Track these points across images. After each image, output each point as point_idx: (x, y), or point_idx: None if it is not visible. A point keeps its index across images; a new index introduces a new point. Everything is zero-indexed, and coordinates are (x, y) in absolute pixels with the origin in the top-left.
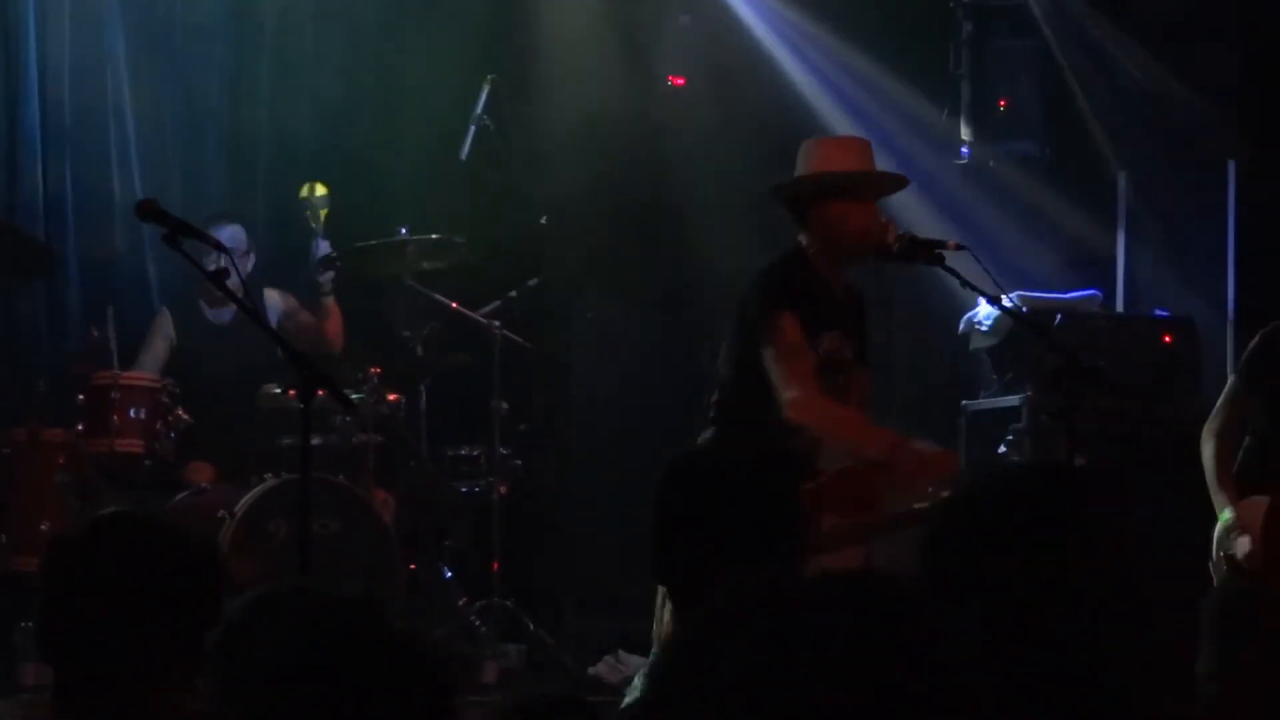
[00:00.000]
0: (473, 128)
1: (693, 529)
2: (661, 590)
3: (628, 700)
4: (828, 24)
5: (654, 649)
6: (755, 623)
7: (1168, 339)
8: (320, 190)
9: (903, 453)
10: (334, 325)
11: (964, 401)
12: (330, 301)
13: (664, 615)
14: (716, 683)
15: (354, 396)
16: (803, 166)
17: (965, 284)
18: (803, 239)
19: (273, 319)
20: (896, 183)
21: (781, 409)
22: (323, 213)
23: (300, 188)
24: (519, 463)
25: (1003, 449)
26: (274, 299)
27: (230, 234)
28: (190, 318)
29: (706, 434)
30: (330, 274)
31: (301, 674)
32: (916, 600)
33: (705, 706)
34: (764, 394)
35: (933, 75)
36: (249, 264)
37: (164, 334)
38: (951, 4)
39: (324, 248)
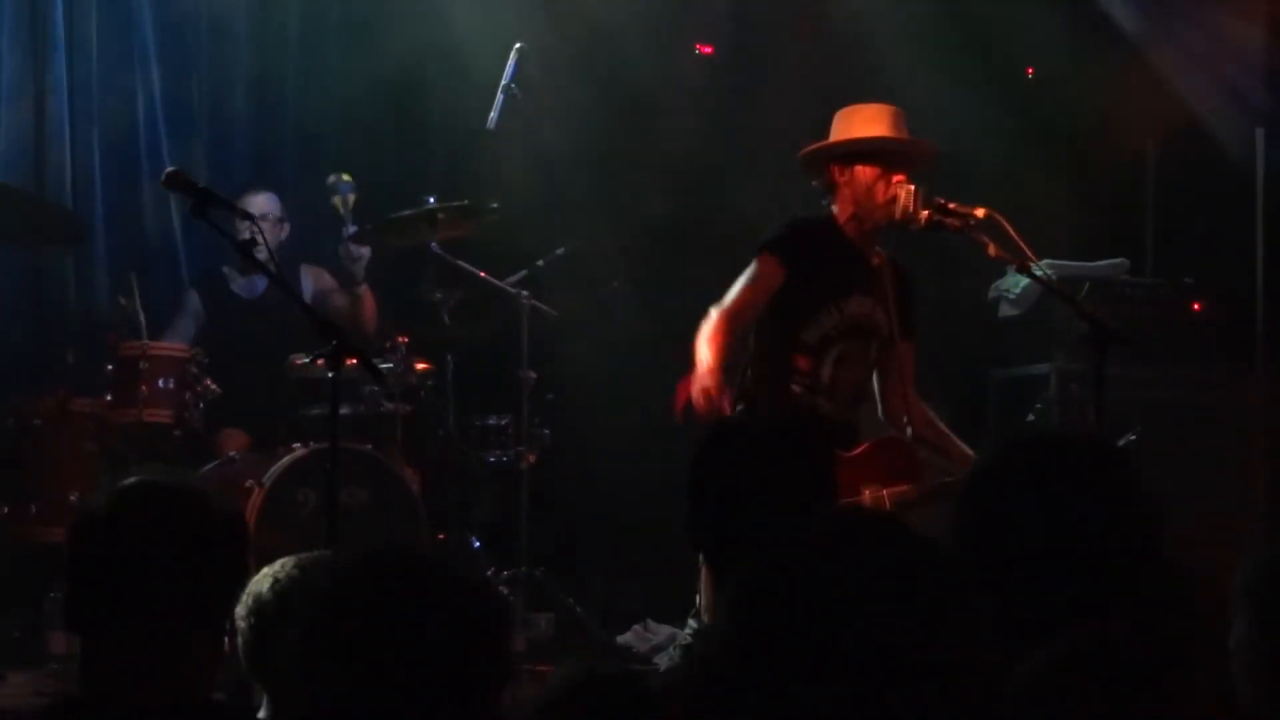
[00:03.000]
0: (501, 96)
1: (729, 496)
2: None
3: (666, 666)
4: None
5: (690, 620)
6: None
7: (1196, 306)
8: (346, 177)
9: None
10: (368, 310)
11: (992, 370)
12: (364, 289)
13: (707, 583)
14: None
15: (382, 366)
16: (834, 134)
17: (995, 252)
18: (834, 209)
19: (305, 296)
20: (928, 151)
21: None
22: (351, 198)
23: (328, 175)
24: (547, 432)
25: (1031, 417)
26: (309, 276)
27: (265, 202)
28: (219, 295)
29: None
30: (363, 257)
31: (340, 631)
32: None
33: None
34: (779, 360)
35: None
36: (283, 233)
37: (193, 313)
38: None
39: (352, 232)
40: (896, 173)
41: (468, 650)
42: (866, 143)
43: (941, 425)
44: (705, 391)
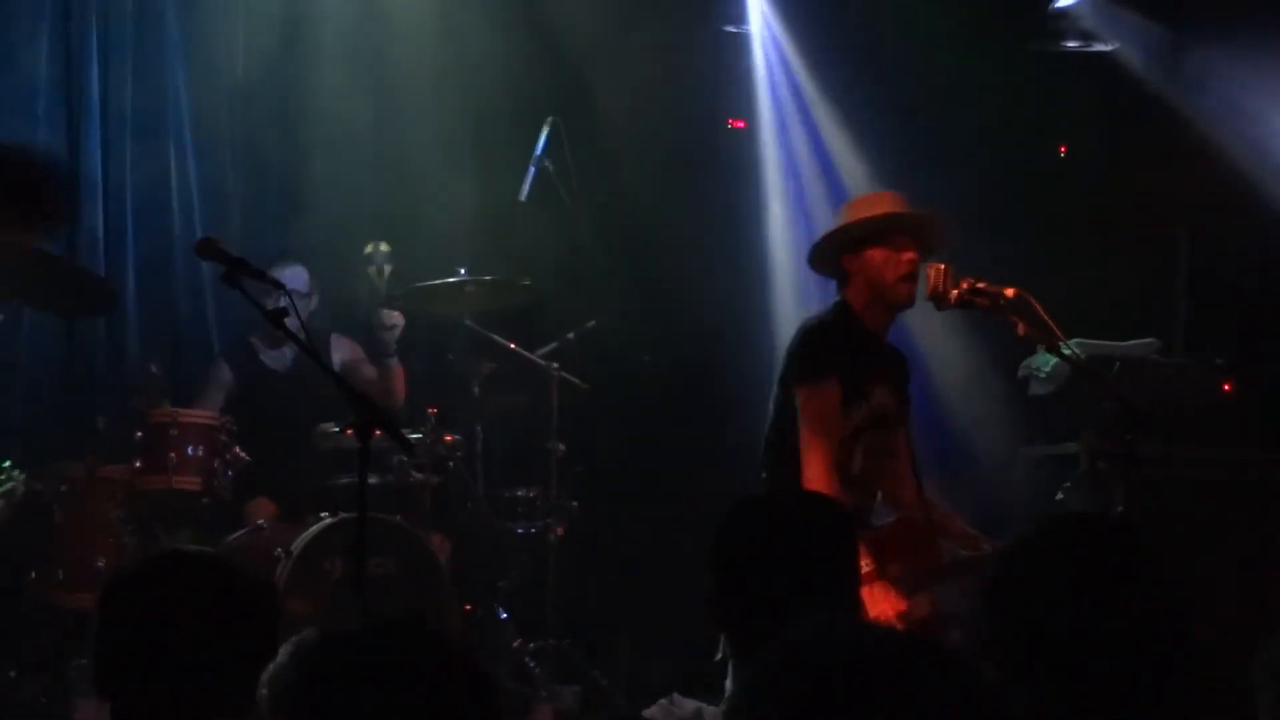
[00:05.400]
0: (532, 169)
1: (751, 573)
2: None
3: None
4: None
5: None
6: (800, 681)
7: (1227, 387)
8: (384, 247)
9: (862, 590)
10: (397, 383)
11: (1021, 448)
12: (394, 362)
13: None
14: None
15: (411, 436)
16: (837, 224)
17: (1024, 331)
18: (849, 297)
19: (334, 366)
20: (936, 224)
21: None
22: (387, 269)
23: (365, 245)
24: (575, 504)
25: (1060, 496)
26: (340, 346)
27: (293, 275)
28: (247, 364)
29: (763, 478)
30: (397, 326)
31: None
32: (954, 662)
33: None
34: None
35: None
36: (311, 305)
37: (220, 382)
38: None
39: (389, 319)
40: (906, 251)
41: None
42: (875, 222)
43: (947, 511)
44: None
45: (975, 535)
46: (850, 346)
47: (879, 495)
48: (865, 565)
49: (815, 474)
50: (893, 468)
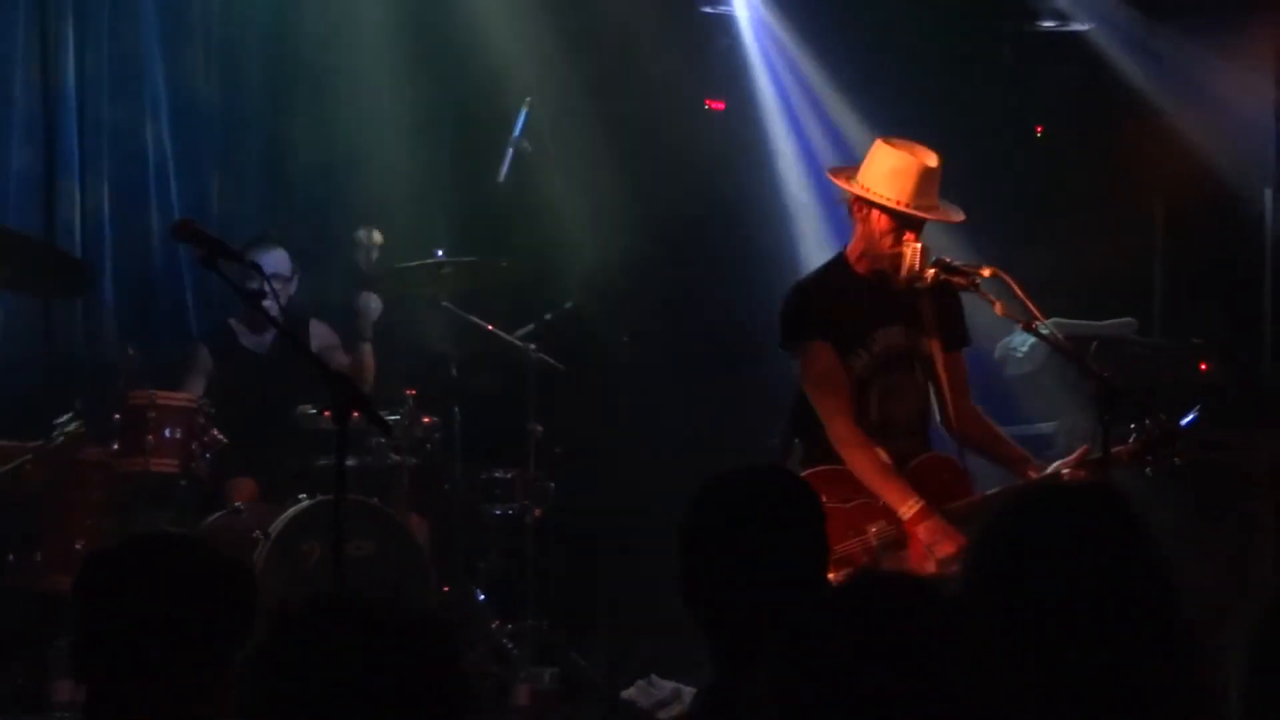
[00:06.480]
0: (510, 150)
1: (716, 559)
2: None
3: None
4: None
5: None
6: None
7: (1203, 366)
8: (377, 238)
9: (919, 528)
10: (368, 371)
11: (998, 427)
12: (367, 348)
13: None
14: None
15: (389, 418)
16: (863, 168)
17: (1001, 311)
18: (852, 240)
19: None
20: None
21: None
22: (375, 256)
23: (357, 229)
24: (553, 485)
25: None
26: (318, 332)
27: (275, 259)
28: (226, 347)
29: (795, 448)
30: (376, 310)
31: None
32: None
33: None
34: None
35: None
36: (292, 288)
37: (201, 367)
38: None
39: (371, 302)
40: (910, 231)
41: (407, 695)
42: (882, 206)
43: (1000, 432)
44: (909, 515)
45: (1025, 457)
46: (836, 299)
47: (938, 420)
48: (914, 503)
49: (838, 431)
50: (920, 404)
